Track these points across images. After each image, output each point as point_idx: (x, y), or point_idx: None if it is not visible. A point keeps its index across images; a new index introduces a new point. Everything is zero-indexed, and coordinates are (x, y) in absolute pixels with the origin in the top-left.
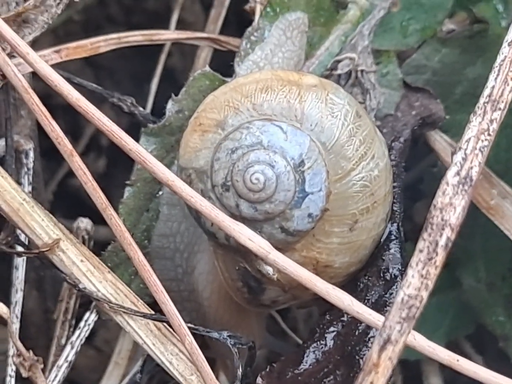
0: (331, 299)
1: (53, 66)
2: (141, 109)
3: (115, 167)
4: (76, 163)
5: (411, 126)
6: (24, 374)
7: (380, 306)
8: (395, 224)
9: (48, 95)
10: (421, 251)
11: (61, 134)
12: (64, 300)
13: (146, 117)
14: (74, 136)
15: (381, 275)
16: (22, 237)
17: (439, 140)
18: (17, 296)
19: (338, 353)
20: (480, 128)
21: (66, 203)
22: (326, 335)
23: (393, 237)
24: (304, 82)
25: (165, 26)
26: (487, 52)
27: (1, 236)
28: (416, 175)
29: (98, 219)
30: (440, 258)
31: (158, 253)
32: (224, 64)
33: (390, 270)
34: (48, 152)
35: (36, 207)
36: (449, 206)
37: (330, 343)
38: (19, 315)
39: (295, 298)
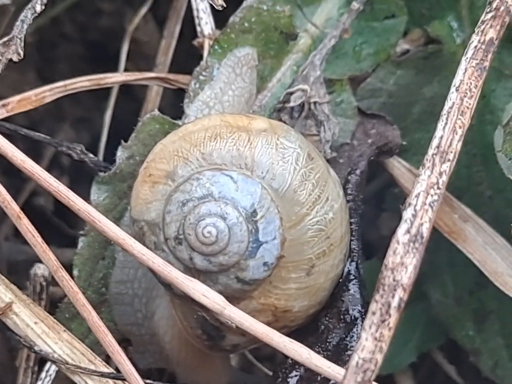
0: (289, 353)
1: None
2: (91, 155)
3: (78, 184)
4: (25, 226)
5: (367, 157)
6: None
7: (341, 350)
8: (353, 263)
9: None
10: (373, 313)
11: (8, 197)
12: (25, 350)
13: (97, 164)
14: (36, 154)
15: (341, 317)
16: None
17: (397, 166)
18: None
19: None
20: (429, 182)
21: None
22: (288, 379)
23: (352, 277)
24: (254, 127)
25: (118, 43)
26: (442, 70)
27: None
28: (380, 184)
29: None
30: (393, 320)
31: (116, 299)
32: (174, 103)
33: (350, 312)
34: (9, 170)
35: None
36: (401, 266)
37: None
38: None
39: (256, 342)
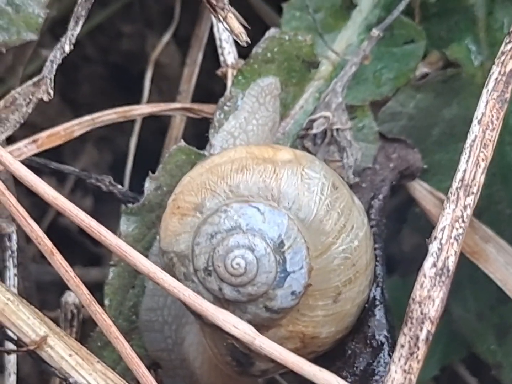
0: (318, 382)
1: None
2: (119, 187)
3: (102, 204)
4: (58, 261)
5: (390, 182)
6: None
7: (369, 375)
8: (378, 289)
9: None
10: (402, 346)
11: (41, 233)
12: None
13: (125, 195)
14: (60, 176)
15: (368, 342)
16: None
17: (418, 189)
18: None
19: None
20: (454, 216)
21: (57, 242)
22: None
23: (377, 302)
24: (279, 158)
25: (139, 64)
26: (461, 93)
27: None
28: (401, 199)
29: (90, 258)
30: (421, 352)
31: (147, 326)
32: (199, 132)
33: (377, 337)
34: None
35: (21, 305)
36: (428, 299)
37: None
38: None
39: (285, 367)
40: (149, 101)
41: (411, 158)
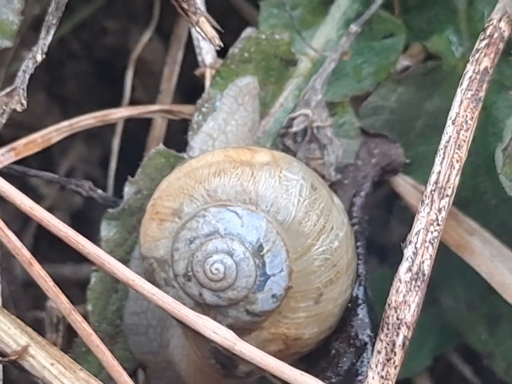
0: None
1: (7, 167)
2: (99, 191)
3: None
4: (36, 271)
5: (371, 179)
6: None
7: (353, 375)
8: (361, 288)
9: None
10: (379, 352)
11: (18, 244)
12: None
13: (105, 199)
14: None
15: (351, 341)
16: None
17: (402, 183)
18: None
19: None
20: (429, 219)
21: (48, 245)
22: None
23: (360, 301)
24: (257, 160)
25: (124, 60)
26: (443, 84)
27: None
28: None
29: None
30: (398, 358)
31: (131, 330)
32: (180, 131)
33: (360, 337)
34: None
35: (1, 315)
36: (404, 304)
37: None
38: None
39: None
40: (134, 97)
41: (393, 153)
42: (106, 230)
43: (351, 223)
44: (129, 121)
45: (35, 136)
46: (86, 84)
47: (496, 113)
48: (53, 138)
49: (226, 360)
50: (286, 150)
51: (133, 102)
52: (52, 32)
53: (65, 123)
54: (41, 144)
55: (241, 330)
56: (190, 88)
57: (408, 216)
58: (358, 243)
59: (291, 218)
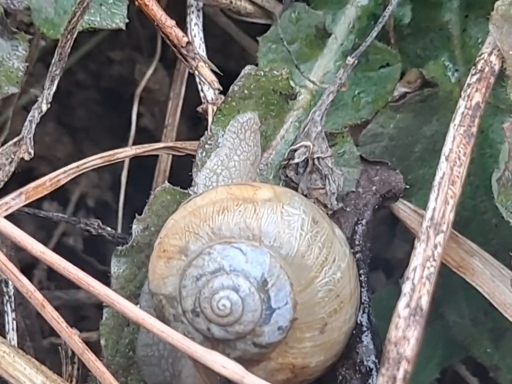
0: None
1: (19, 209)
2: (108, 229)
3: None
4: (49, 313)
5: (372, 207)
6: None
7: None
8: (365, 315)
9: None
10: None
11: (31, 287)
12: None
13: (114, 236)
14: (61, 201)
15: (357, 368)
16: None
17: (402, 208)
18: None
19: None
20: (425, 255)
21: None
22: None
23: (364, 328)
24: (259, 197)
25: (130, 88)
26: (441, 109)
27: None
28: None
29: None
30: None
31: (144, 361)
32: (185, 167)
33: (365, 363)
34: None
35: (17, 357)
36: (403, 340)
37: None
38: None
39: None
40: (141, 124)
41: (393, 179)
42: (116, 267)
43: (354, 251)
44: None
45: (44, 179)
46: (94, 112)
47: (493, 136)
48: (61, 180)
49: None
50: (289, 181)
51: (140, 130)
52: (56, 81)
53: (73, 165)
54: (49, 187)
55: (249, 362)
56: (195, 118)
57: (411, 237)
58: (361, 271)
59: (294, 252)
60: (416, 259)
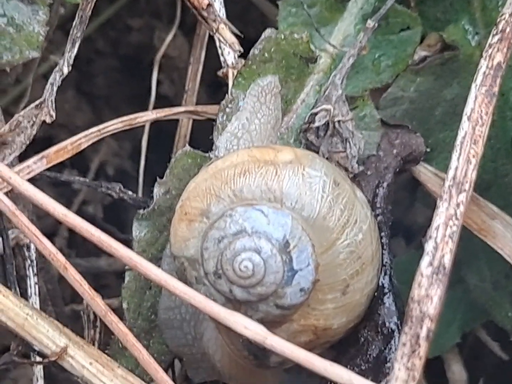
0: (330, 376)
1: (40, 173)
2: (130, 193)
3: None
4: (72, 275)
5: (393, 169)
6: None
7: (381, 362)
8: (386, 277)
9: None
10: (404, 344)
11: (53, 249)
12: None
13: (135, 200)
14: (81, 169)
15: (379, 329)
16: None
17: (423, 171)
18: None
19: None
20: (448, 214)
21: (82, 238)
22: None
23: (386, 290)
24: (280, 159)
25: (149, 55)
26: (461, 73)
27: (12, 347)
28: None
29: None
30: (423, 349)
31: (166, 324)
32: (205, 132)
33: (387, 325)
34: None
35: (40, 319)
36: (426, 298)
37: None
38: None
39: None
40: (161, 92)
41: (414, 143)
42: (138, 230)
43: (375, 214)
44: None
45: (65, 143)
46: (114, 80)
47: None
48: (82, 144)
49: (259, 351)
50: (309, 144)
51: (160, 96)
52: (77, 45)
53: (93, 129)
54: (70, 151)
55: (271, 323)
56: (215, 84)
57: (431, 201)
58: (382, 234)
59: (315, 214)
60: (439, 218)
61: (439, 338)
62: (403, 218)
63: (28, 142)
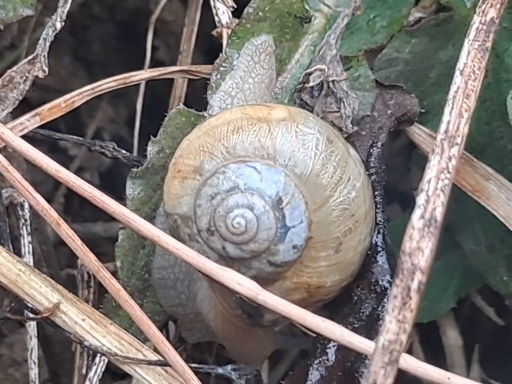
0: (322, 332)
1: (33, 130)
2: (124, 152)
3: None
4: (64, 231)
5: (387, 129)
6: None
7: (374, 320)
8: (380, 235)
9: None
10: (395, 297)
11: (46, 205)
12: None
13: (129, 159)
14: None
15: (372, 288)
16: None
17: (418, 132)
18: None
19: (340, 368)
20: (440, 167)
21: (79, 205)
22: (327, 350)
23: (379, 248)
24: (273, 117)
25: (145, 21)
26: (456, 34)
27: (5, 303)
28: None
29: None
30: (414, 301)
31: (160, 284)
32: (200, 95)
33: (380, 283)
34: (55, 149)
35: (33, 275)
36: (417, 250)
37: (332, 358)
38: (36, 361)
39: None
40: (156, 57)
41: (408, 103)
42: (131, 189)
43: (369, 173)
44: (152, 82)
45: (59, 100)
46: (110, 46)
47: (509, 60)
48: (76, 102)
49: (252, 310)
50: (304, 104)
51: (155, 62)
52: (69, 1)
53: (87, 87)
54: (64, 108)
55: (264, 281)
56: (209, 46)
57: (426, 164)
58: (376, 193)
59: (308, 171)
60: (431, 171)
61: (434, 303)
62: (399, 185)
63: (21, 98)
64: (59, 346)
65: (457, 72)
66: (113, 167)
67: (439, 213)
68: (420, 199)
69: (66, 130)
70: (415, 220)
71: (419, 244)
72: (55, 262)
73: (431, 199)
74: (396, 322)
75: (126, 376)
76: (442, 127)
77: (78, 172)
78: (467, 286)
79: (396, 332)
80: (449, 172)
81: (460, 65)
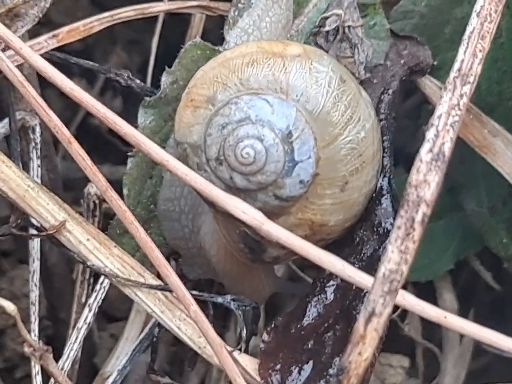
0: (323, 265)
1: (51, 51)
2: (137, 81)
3: (131, 105)
4: (75, 150)
5: (400, 77)
6: (37, 363)
7: (375, 261)
8: (385, 179)
9: None
10: (399, 227)
11: (59, 123)
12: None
13: (143, 89)
14: (90, 79)
15: (375, 229)
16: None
17: (429, 84)
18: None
19: (338, 307)
20: (451, 104)
21: (88, 142)
22: (326, 288)
23: (384, 192)
24: (288, 52)
25: None
26: None
27: (12, 219)
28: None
29: (120, 157)
30: (417, 233)
31: (165, 215)
32: (218, 28)
33: (383, 224)
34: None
35: (41, 192)
36: (424, 183)
37: (330, 296)
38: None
39: (295, 254)
40: None
41: (422, 54)
42: (143, 117)
43: (379, 119)
44: (168, 18)
45: (78, 24)
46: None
47: None
48: (94, 27)
49: (255, 244)
50: (318, 48)
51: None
52: None
53: (106, 14)
54: (82, 32)
55: (269, 215)
56: None
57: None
58: (384, 137)
59: (319, 108)
60: (442, 107)
61: (433, 263)
62: (405, 146)
63: (40, 15)
64: (59, 279)
65: (473, 14)
66: (124, 112)
67: (447, 148)
68: (430, 134)
69: (79, 73)
70: (424, 154)
71: (426, 177)
72: (62, 191)
73: (440, 134)
74: (398, 252)
75: (122, 319)
76: (456, 65)
77: (88, 117)
78: (466, 248)
79: (397, 262)
80: (459, 109)
81: (477, 7)
